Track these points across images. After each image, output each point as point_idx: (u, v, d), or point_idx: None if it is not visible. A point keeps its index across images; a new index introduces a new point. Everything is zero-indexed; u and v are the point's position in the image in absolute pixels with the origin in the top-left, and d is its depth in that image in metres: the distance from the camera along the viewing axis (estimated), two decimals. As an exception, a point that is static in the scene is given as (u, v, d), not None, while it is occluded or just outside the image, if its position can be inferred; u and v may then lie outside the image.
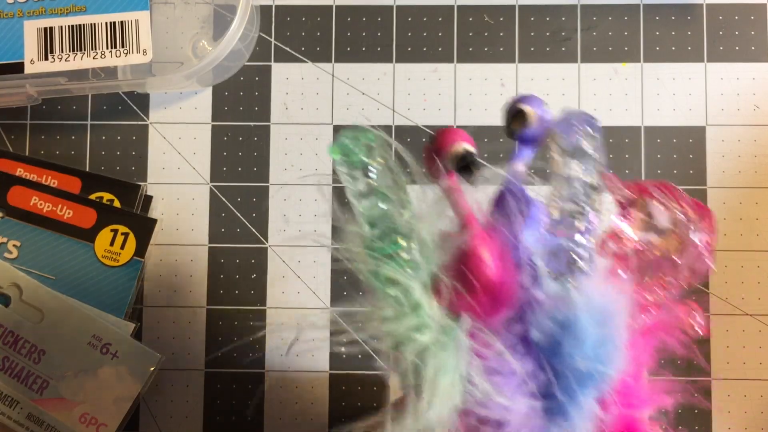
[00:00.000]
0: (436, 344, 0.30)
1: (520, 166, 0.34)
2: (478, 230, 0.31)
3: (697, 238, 0.33)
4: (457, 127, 0.50)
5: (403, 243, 0.31)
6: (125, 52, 0.48)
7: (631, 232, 0.33)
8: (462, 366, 0.30)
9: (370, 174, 0.31)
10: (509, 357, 0.31)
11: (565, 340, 0.31)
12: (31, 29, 0.48)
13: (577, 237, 0.31)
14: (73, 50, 0.48)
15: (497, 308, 0.31)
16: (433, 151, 0.32)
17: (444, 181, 0.32)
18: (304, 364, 0.49)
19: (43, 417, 0.46)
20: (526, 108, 0.33)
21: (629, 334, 0.32)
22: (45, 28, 0.48)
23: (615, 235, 0.33)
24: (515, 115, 0.33)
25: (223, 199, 0.50)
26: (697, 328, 0.33)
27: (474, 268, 0.31)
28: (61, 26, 0.48)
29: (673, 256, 0.33)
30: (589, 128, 0.32)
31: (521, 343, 0.31)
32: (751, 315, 0.48)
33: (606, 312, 0.31)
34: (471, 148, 0.32)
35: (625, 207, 0.33)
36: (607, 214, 0.33)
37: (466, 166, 0.32)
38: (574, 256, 0.31)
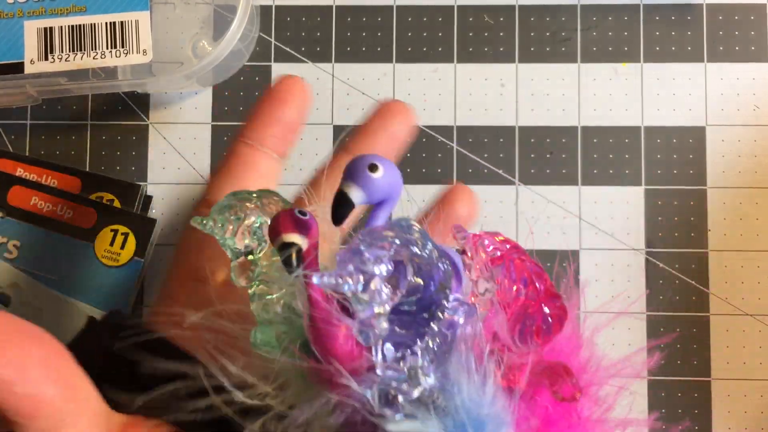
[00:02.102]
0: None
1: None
2: (323, 314, 0.28)
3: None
4: (458, 126, 0.50)
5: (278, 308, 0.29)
6: (125, 52, 0.48)
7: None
8: None
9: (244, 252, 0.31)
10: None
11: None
12: (31, 29, 0.48)
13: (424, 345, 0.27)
14: (73, 50, 0.48)
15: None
16: (269, 235, 0.29)
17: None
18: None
19: (43, 417, 0.46)
20: (349, 190, 0.29)
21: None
22: (45, 28, 0.48)
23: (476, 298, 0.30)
24: (338, 201, 0.29)
25: (223, 199, 0.50)
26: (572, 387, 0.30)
27: (322, 353, 0.28)
28: (61, 26, 0.48)
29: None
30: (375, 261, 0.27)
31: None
32: (751, 315, 0.48)
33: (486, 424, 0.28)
34: (294, 239, 0.28)
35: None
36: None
37: (287, 255, 0.28)
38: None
